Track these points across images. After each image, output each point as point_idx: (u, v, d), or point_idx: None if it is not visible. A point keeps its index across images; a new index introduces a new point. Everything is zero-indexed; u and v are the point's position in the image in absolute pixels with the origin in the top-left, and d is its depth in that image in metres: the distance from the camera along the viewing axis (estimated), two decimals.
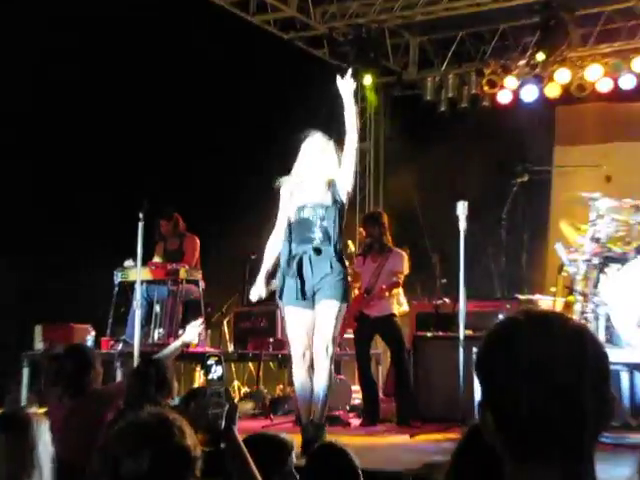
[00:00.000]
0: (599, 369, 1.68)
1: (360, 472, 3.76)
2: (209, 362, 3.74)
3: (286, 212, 6.64)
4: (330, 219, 6.48)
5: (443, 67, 13.60)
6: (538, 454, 1.63)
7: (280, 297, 6.53)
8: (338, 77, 6.69)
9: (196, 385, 10.28)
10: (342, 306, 6.41)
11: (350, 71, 6.78)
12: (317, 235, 6.46)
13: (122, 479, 2.51)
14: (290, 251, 6.50)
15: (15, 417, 3.38)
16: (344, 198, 6.61)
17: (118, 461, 2.51)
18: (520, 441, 1.64)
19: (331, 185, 6.60)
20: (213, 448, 3.13)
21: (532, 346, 1.65)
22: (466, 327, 7.84)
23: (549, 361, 1.64)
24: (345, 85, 6.68)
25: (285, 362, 10.52)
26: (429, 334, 9.22)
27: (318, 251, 6.41)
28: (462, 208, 7.94)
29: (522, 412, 1.62)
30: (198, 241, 10.21)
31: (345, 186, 6.61)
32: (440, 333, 9.16)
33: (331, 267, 6.37)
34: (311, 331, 6.41)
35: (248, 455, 3.07)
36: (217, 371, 3.32)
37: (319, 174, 6.63)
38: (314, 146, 6.78)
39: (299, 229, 6.51)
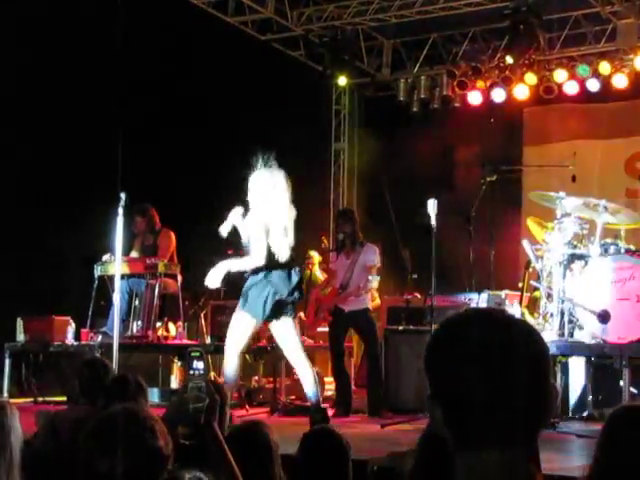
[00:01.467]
0: (537, 361, 1.75)
1: (350, 454, 3.95)
2: (191, 355, 3.93)
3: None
4: None
5: (415, 69, 13.90)
6: (478, 441, 1.71)
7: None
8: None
9: (173, 376, 10.51)
10: None
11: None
12: None
13: (96, 477, 2.60)
14: None
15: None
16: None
17: (92, 459, 2.61)
18: (462, 429, 1.72)
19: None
20: (194, 441, 3.27)
21: (475, 338, 1.74)
22: (436, 321, 8.13)
23: (489, 353, 1.72)
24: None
25: (260, 354, 10.77)
26: (400, 327, 9.47)
27: None
28: (433, 205, 8.24)
29: (465, 401, 1.71)
30: (173, 236, 10.40)
31: None
32: (411, 327, 9.41)
33: None
34: None
35: (227, 449, 3.15)
36: (198, 366, 3.48)
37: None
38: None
39: None
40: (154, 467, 2.63)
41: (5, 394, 8.66)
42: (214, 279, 7.43)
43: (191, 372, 3.54)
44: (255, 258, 7.39)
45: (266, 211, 7.46)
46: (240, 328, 7.50)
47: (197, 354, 3.55)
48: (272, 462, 3.72)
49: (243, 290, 7.53)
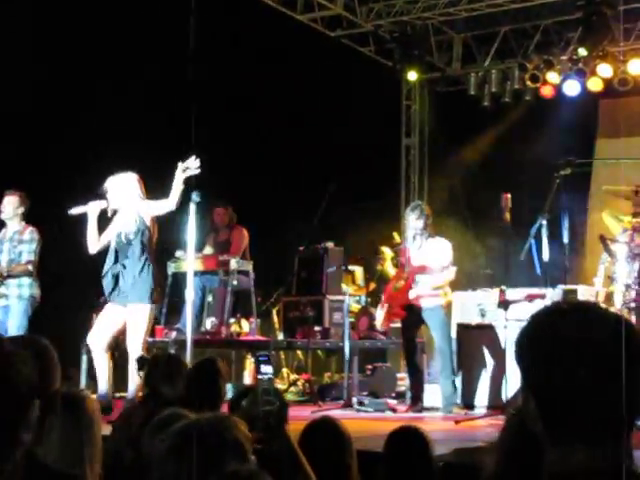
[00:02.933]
0: (634, 357, 1.71)
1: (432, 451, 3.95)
2: (259, 359, 3.92)
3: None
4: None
5: (486, 62, 13.79)
6: (571, 436, 1.69)
7: None
8: (180, 164, 7.75)
9: (246, 372, 10.59)
10: None
11: (193, 158, 7.76)
12: None
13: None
14: None
15: (73, 396, 3.55)
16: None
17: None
18: (556, 423, 1.70)
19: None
20: (265, 446, 3.28)
21: (572, 332, 1.71)
22: (510, 316, 8.07)
23: (588, 347, 1.69)
24: (181, 174, 7.81)
25: (333, 350, 10.81)
26: (473, 323, 9.42)
27: None
28: (506, 200, 8.18)
29: (559, 394, 1.69)
30: (246, 233, 10.49)
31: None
32: (484, 322, 9.35)
33: None
34: None
35: (300, 453, 3.13)
36: (267, 370, 3.47)
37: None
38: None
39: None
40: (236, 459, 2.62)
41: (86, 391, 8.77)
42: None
43: (260, 376, 3.53)
44: None
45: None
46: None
47: (265, 358, 3.54)
48: (347, 458, 3.73)
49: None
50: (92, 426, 3.28)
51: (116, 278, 7.92)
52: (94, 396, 3.74)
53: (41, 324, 8.78)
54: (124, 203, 7.98)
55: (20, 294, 8.62)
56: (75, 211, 8.02)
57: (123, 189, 8.01)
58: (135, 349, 7.72)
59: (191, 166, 7.74)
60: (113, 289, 7.92)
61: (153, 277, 7.93)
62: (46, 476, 2.74)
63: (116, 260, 7.96)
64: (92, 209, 7.98)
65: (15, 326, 8.51)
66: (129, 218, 7.96)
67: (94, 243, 8.03)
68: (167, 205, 7.90)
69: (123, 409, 5.18)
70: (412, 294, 8.85)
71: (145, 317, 7.84)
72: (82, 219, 8.14)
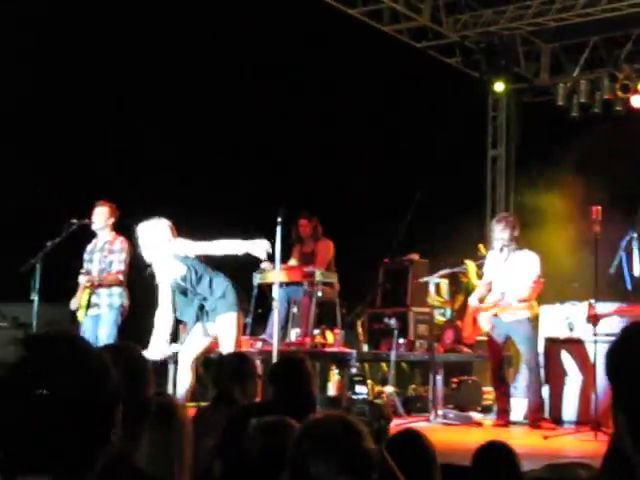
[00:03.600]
0: None
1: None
2: (354, 379, 3.89)
3: None
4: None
5: (575, 72, 13.59)
6: None
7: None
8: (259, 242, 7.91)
9: (330, 383, 10.59)
10: None
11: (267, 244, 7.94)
12: None
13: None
14: None
15: (166, 405, 3.56)
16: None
17: (307, 462, 2.57)
18: None
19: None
20: None
21: None
22: (600, 330, 7.94)
23: None
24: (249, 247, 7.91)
25: (417, 363, 10.75)
26: (561, 337, 9.28)
27: None
28: (595, 213, 8.05)
29: None
30: (332, 245, 10.50)
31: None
32: (573, 336, 9.21)
33: None
34: None
35: (400, 474, 3.12)
36: (361, 390, 3.41)
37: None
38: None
39: None
40: (367, 469, 2.62)
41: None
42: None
43: (354, 397, 3.49)
44: None
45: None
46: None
47: (359, 378, 3.51)
48: (432, 472, 3.70)
49: None
50: (183, 434, 3.32)
51: (202, 309, 7.99)
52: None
53: (129, 333, 8.92)
54: (157, 252, 7.99)
55: (111, 303, 8.79)
56: None
57: (153, 238, 7.99)
58: None
59: (261, 250, 7.88)
60: (200, 315, 8.00)
61: (226, 286, 7.98)
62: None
63: (193, 297, 8.01)
64: None
65: (105, 335, 8.67)
66: (171, 266, 7.98)
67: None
68: (209, 249, 7.95)
69: (196, 414, 5.19)
70: (498, 307, 8.77)
71: (233, 324, 7.91)
72: None
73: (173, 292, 8.01)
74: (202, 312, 8.00)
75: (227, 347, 7.81)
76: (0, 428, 1.71)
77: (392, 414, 4.72)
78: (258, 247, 7.89)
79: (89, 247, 9.05)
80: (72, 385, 1.73)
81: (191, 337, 8.13)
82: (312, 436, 2.64)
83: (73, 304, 8.87)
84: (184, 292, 8.00)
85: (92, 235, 9.04)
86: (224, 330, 7.89)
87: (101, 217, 8.90)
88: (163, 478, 3.00)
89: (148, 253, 7.95)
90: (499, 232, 8.83)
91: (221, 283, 7.95)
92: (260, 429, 3.32)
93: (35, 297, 8.71)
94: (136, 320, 9.14)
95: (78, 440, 1.73)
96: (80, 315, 8.80)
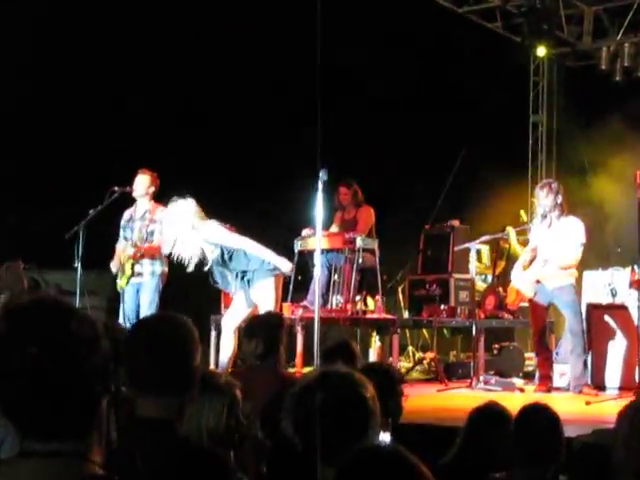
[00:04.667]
0: None
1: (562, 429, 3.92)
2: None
3: None
4: None
5: (619, 36, 13.39)
6: None
7: None
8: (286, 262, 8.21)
9: (372, 350, 10.62)
10: None
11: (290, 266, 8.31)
12: None
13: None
14: None
15: (218, 380, 3.52)
16: None
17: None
18: None
19: None
20: None
21: None
22: None
23: None
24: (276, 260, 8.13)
25: (459, 329, 10.74)
26: (604, 303, 9.22)
27: None
28: (639, 178, 7.96)
29: None
30: (373, 212, 10.47)
31: None
32: (616, 301, 9.15)
33: None
34: None
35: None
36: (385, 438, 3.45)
37: None
38: None
39: None
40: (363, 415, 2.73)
41: (212, 365, 8.94)
42: None
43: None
44: None
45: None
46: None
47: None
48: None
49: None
50: (236, 408, 3.35)
51: (241, 277, 8.06)
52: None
53: (171, 300, 9.00)
54: (182, 234, 8.01)
55: (153, 271, 8.86)
56: None
57: (177, 221, 8.02)
58: None
59: (287, 268, 8.12)
60: (242, 284, 8.07)
61: (259, 253, 8.02)
62: (188, 451, 2.80)
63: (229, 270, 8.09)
64: None
65: (147, 301, 8.74)
66: (201, 247, 8.01)
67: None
68: (240, 244, 8.02)
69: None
70: (540, 274, 8.72)
71: (271, 288, 7.98)
72: None
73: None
74: (243, 281, 8.05)
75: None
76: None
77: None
78: (285, 265, 8.13)
79: (127, 214, 9.08)
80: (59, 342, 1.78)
81: (234, 305, 8.20)
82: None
83: (113, 266, 8.93)
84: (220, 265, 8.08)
85: (133, 202, 9.09)
86: (263, 296, 7.97)
87: (142, 185, 8.94)
88: (216, 451, 3.02)
89: (174, 232, 7.96)
90: (543, 198, 8.73)
91: (252, 254, 8.00)
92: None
93: (78, 264, 8.79)
94: (177, 285, 9.22)
95: (63, 407, 1.78)
96: (122, 283, 8.87)
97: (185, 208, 8.00)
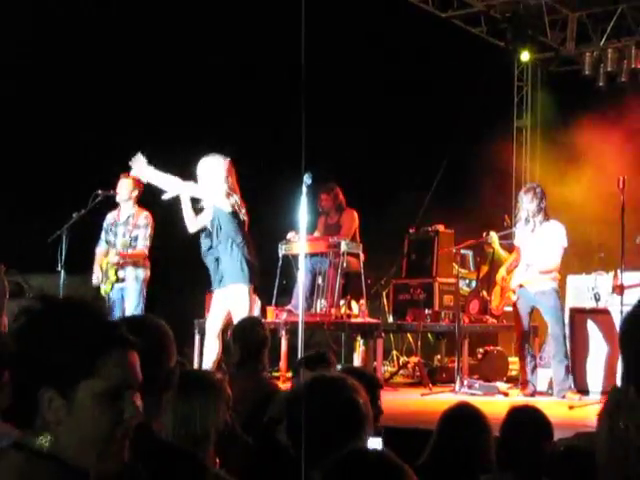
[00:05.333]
0: None
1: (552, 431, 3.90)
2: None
3: None
4: None
5: (602, 41, 13.46)
6: None
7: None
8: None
9: (356, 354, 10.61)
10: None
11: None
12: None
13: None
14: None
15: (209, 378, 3.60)
16: None
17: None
18: None
19: None
20: None
21: None
22: (627, 300, 7.91)
23: None
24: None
25: (443, 334, 10.75)
26: (587, 307, 9.25)
27: None
28: (622, 182, 8.00)
29: None
30: (356, 215, 10.47)
31: None
32: (599, 306, 9.18)
33: None
34: None
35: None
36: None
37: None
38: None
39: None
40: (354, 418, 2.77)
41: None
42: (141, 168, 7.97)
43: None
44: None
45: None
46: None
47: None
48: (487, 442, 3.73)
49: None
50: (221, 402, 3.36)
51: (216, 263, 8.08)
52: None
53: (156, 305, 8.99)
54: (212, 187, 8.05)
55: (136, 276, 8.85)
56: (167, 195, 8.15)
57: (210, 173, 8.08)
58: None
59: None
60: (215, 274, 8.09)
61: (240, 257, 8.03)
62: (162, 450, 2.79)
63: (211, 245, 8.10)
64: (183, 190, 8.09)
65: (132, 306, 8.72)
66: (217, 203, 8.06)
67: (191, 223, 8.20)
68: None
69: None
70: (522, 278, 8.75)
71: (243, 297, 7.98)
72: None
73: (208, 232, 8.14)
74: (217, 270, 8.08)
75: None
76: None
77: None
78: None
79: (110, 217, 9.05)
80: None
81: (214, 306, 8.20)
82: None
83: (95, 278, 8.91)
84: (211, 236, 8.10)
85: (113, 206, 9.06)
86: (237, 304, 7.98)
87: (125, 189, 8.91)
88: (192, 451, 3.02)
89: (204, 187, 8.04)
90: (527, 203, 8.77)
91: (240, 253, 8.00)
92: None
93: (61, 268, 8.77)
94: (162, 290, 9.21)
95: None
96: (107, 288, 8.84)
97: (218, 162, 8.09)
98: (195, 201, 8.14)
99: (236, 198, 8.10)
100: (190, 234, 8.22)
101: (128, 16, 10.96)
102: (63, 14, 10.66)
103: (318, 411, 2.71)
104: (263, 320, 6.64)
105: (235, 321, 7.93)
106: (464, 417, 4.06)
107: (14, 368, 1.92)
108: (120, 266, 8.78)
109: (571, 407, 7.65)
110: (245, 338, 6.00)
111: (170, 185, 7.95)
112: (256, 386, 5.41)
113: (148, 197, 8.96)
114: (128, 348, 1.96)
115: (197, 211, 8.17)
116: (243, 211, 8.13)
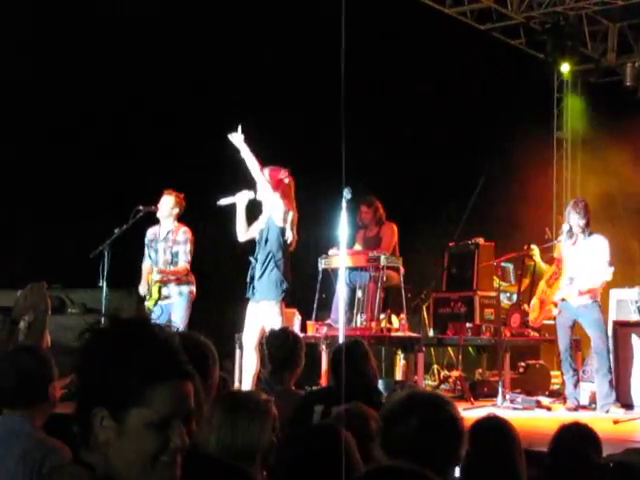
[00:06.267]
0: None
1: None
2: None
3: None
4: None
5: None
6: None
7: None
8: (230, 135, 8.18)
9: (397, 368, 10.58)
10: None
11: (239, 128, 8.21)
12: None
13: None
14: None
15: (256, 399, 3.56)
16: None
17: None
18: None
19: None
20: None
21: None
22: None
23: None
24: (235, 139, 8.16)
25: (484, 347, 10.68)
26: (631, 320, 9.15)
27: None
28: None
29: None
30: (396, 228, 10.45)
31: None
32: None
33: None
34: None
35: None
36: None
37: None
38: None
39: None
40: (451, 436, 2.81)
41: (237, 384, 8.95)
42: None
43: None
44: None
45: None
46: None
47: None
48: (516, 457, 3.69)
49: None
50: (265, 426, 3.36)
51: (252, 272, 8.14)
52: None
53: (198, 316, 9.03)
54: (266, 197, 8.15)
55: (180, 291, 8.91)
56: (224, 202, 8.25)
57: (265, 182, 8.16)
58: None
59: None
60: (250, 284, 8.15)
61: (277, 274, 8.06)
62: (210, 466, 2.79)
63: (255, 254, 8.19)
64: (240, 199, 8.22)
65: (179, 319, 8.74)
66: (266, 213, 8.14)
67: (242, 232, 8.34)
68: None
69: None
70: (564, 292, 8.68)
71: (275, 314, 8.01)
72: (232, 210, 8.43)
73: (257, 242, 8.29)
74: (252, 280, 8.17)
75: None
76: None
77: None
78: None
79: (150, 233, 9.09)
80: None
81: (249, 319, 8.25)
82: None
83: (142, 289, 8.97)
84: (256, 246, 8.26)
85: (153, 222, 9.11)
86: (269, 320, 8.04)
87: (166, 206, 8.96)
88: (240, 466, 3.04)
89: (260, 196, 8.27)
90: (572, 216, 8.72)
91: (273, 257, 8.06)
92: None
93: (103, 283, 8.83)
94: (202, 304, 9.25)
95: None
96: (149, 304, 8.89)
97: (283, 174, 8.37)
98: (249, 210, 8.26)
99: (292, 215, 8.18)
100: (240, 243, 8.34)
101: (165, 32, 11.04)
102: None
103: (417, 429, 2.71)
104: (293, 329, 6.65)
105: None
106: (495, 429, 4.02)
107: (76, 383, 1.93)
108: (163, 283, 8.84)
109: (616, 422, 7.56)
110: (272, 347, 6.10)
111: (252, 166, 8.16)
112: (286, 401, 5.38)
113: (192, 212, 9.05)
114: (185, 379, 1.95)
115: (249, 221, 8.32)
116: (294, 230, 8.20)
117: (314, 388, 7.90)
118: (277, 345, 6.07)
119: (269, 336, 6.45)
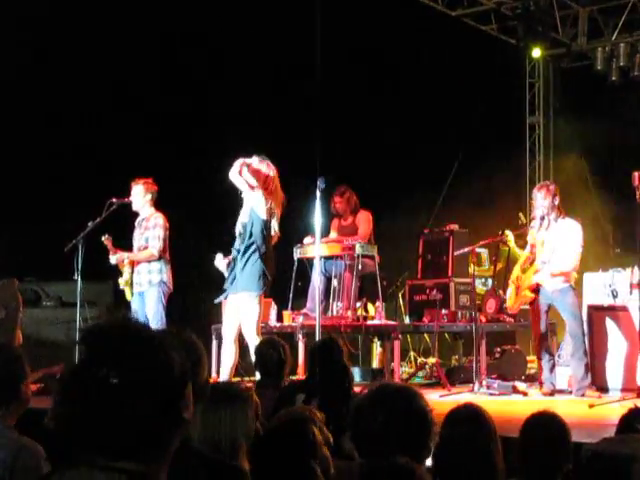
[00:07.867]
0: None
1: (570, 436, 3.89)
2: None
3: None
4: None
5: (614, 36, 13.41)
6: None
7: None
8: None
9: (373, 355, 10.62)
10: None
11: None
12: None
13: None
14: None
15: (236, 389, 3.62)
16: None
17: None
18: None
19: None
20: None
21: None
22: None
23: None
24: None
25: (460, 334, 10.72)
26: (605, 304, 9.20)
27: None
28: (638, 179, 7.95)
29: None
30: (371, 216, 10.45)
31: None
32: (616, 303, 9.13)
33: None
34: None
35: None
36: None
37: None
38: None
39: None
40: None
41: (214, 375, 8.94)
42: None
43: None
44: None
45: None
46: None
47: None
48: (492, 445, 3.69)
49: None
50: (248, 414, 3.37)
51: (234, 264, 8.12)
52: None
53: (174, 308, 9.00)
54: (245, 190, 8.12)
55: (150, 280, 8.75)
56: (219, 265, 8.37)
57: (243, 184, 8.12)
58: (249, 337, 7.92)
59: None
60: (230, 274, 8.13)
61: (260, 267, 8.04)
62: (204, 463, 2.80)
63: (237, 245, 8.17)
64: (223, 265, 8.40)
65: (152, 313, 8.66)
66: (245, 207, 8.11)
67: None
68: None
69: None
70: (539, 277, 8.71)
71: (253, 305, 7.98)
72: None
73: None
74: (233, 271, 8.13)
75: (248, 331, 8.01)
76: (79, 420, 1.76)
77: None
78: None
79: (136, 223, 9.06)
80: (138, 371, 1.77)
81: (229, 311, 8.23)
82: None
83: (121, 282, 8.91)
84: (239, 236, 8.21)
85: (134, 214, 9.05)
86: (246, 313, 8.03)
87: (138, 197, 8.89)
88: (230, 462, 3.05)
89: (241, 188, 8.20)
90: (540, 200, 8.72)
91: (254, 251, 8.03)
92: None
93: (78, 276, 8.78)
94: (177, 295, 9.20)
95: (153, 423, 1.78)
96: (127, 294, 8.85)
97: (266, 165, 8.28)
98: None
99: (271, 204, 8.12)
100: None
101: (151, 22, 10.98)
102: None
103: (386, 419, 2.73)
104: (280, 341, 6.63)
105: (243, 329, 7.99)
106: (468, 417, 4.01)
107: None
108: (133, 268, 8.78)
109: (591, 405, 7.59)
110: (264, 362, 6.18)
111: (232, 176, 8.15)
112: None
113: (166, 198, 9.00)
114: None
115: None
116: (274, 222, 8.16)
117: (294, 378, 7.90)
118: (265, 360, 6.21)
119: (256, 351, 6.55)
